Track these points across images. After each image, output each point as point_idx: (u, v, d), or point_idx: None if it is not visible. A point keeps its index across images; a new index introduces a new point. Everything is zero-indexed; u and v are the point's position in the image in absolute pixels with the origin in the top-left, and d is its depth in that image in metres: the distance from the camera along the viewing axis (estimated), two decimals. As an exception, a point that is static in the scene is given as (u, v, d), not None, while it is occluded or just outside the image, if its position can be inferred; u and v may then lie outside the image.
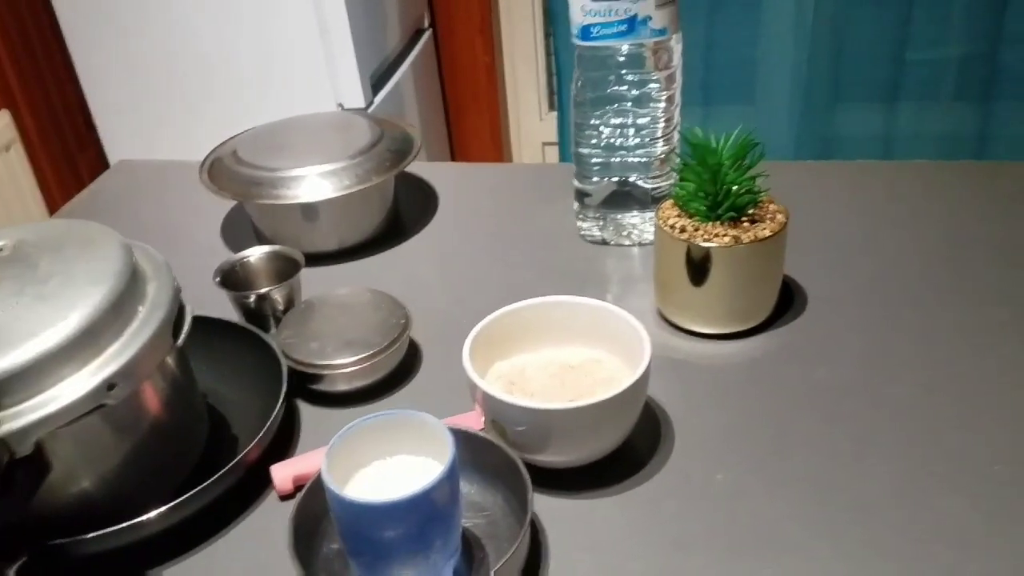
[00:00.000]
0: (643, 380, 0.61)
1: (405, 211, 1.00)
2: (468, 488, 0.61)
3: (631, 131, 0.83)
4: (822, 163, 1.03)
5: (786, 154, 1.97)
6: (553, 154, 2.36)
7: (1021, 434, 0.63)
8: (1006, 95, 1.88)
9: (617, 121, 0.83)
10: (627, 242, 0.89)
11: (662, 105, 0.82)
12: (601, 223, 0.89)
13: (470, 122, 2.35)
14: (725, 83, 1.96)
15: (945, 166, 0.98)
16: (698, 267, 0.72)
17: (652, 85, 0.81)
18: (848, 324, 0.75)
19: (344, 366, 0.69)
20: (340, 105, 1.71)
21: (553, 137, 2.33)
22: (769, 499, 0.60)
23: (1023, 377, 0.67)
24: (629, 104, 0.82)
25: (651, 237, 0.88)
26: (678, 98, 0.84)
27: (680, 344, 0.76)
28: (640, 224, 0.88)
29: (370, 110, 1.72)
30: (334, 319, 0.73)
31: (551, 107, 2.36)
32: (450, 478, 0.48)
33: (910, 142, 2.01)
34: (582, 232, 0.91)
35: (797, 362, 0.72)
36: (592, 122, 0.84)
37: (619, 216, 0.88)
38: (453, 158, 2.39)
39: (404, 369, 0.74)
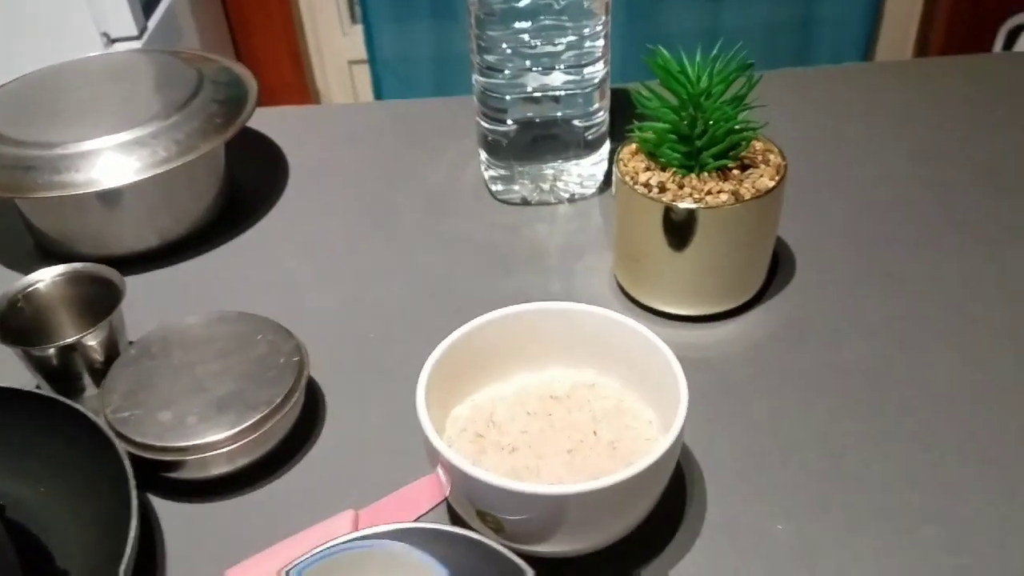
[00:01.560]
0: (683, 428, 0.43)
1: (245, 182, 0.74)
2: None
3: (558, 52, 0.63)
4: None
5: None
6: (363, 75, 2.09)
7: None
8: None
9: (537, 40, 0.62)
10: (553, 199, 0.70)
11: (596, 13, 0.62)
12: (520, 178, 0.68)
13: (263, 44, 2.02)
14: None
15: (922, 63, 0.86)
16: (682, 234, 0.54)
17: (579, -10, 0.61)
18: (850, 279, 0.61)
19: (220, 444, 0.46)
20: (106, 35, 1.36)
21: (360, 54, 2.05)
22: (851, 547, 0.45)
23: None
24: (554, 15, 0.61)
25: (585, 190, 0.69)
26: (611, 3, 0.64)
27: (661, 332, 0.57)
28: (571, 174, 0.69)
29: (143, 40, 1.39)
30: (188, 367, 0.50)
31: (353, 20, 2.07)
32: None
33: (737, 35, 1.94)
34: (494, 191, 0.70)
35: (814, 340, 0.56)
36: (502, 46, 0.62)
37: (543, 167, 0.68)
38: (249, 88, 2.05)
39: (303, 424, 0.52)
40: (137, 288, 0.63)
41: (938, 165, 0.71)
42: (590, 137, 0.67)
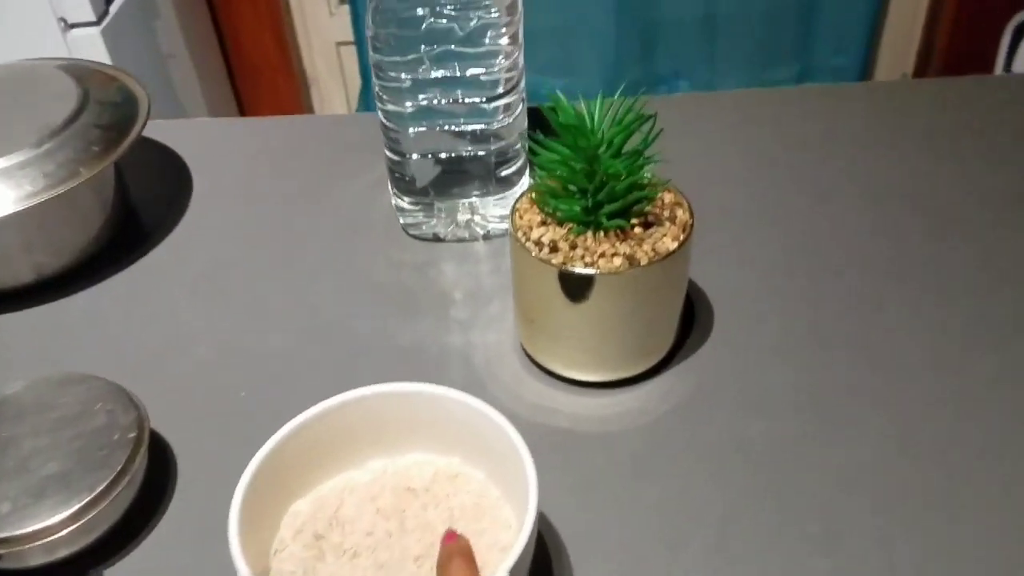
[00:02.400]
0: (534, 529, 0.38)
1: (144, 205, 0.70)
2: None
3: (462, 82, 0.57)
4: (694, 96, 0.80)
5: (606, 45, 1.74)
6: (351, 57, 2.03)
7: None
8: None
9: (439, 73, 0.57)
10: (468, 236, 0.64)
11: (503, 43, 0.56)
12: (430, 211, 0.63)
13: (247, 25, 1.96)
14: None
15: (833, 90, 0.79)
16: (575, 297, 0.49)
17: (487, 14, 0.55)
18: (772, 339, 0.55)
19: (42, 533, 0.42)
20: (62, 20, 1.31)
21: (348, 36, 1.99)
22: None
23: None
24: (457, 42, 0.56)
25: (500, 226, 0.64)
26: (521, 33, 0.58)
27: (557, 398, 0.53)
28: (485, 210, 0.63)
29: (104, 24, 1.33)
30: (15, 442, 0.45)
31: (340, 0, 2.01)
32: None
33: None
34: (403, 224, 0.65)
35: (722, 414, 0.51)
36: (401, 75, 0.57)
37: (455, 202, 0.63)
38: (230, 73, 2.01)
39: (148, 498, 0.48)
40: (9, 328, 0.59)
41: (889, 207, 0.65)
42: (502, 173, 0.61)
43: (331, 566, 0.40)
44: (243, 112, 2.06)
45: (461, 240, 0.64)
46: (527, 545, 0.37)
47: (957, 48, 1.81)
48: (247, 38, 1.99)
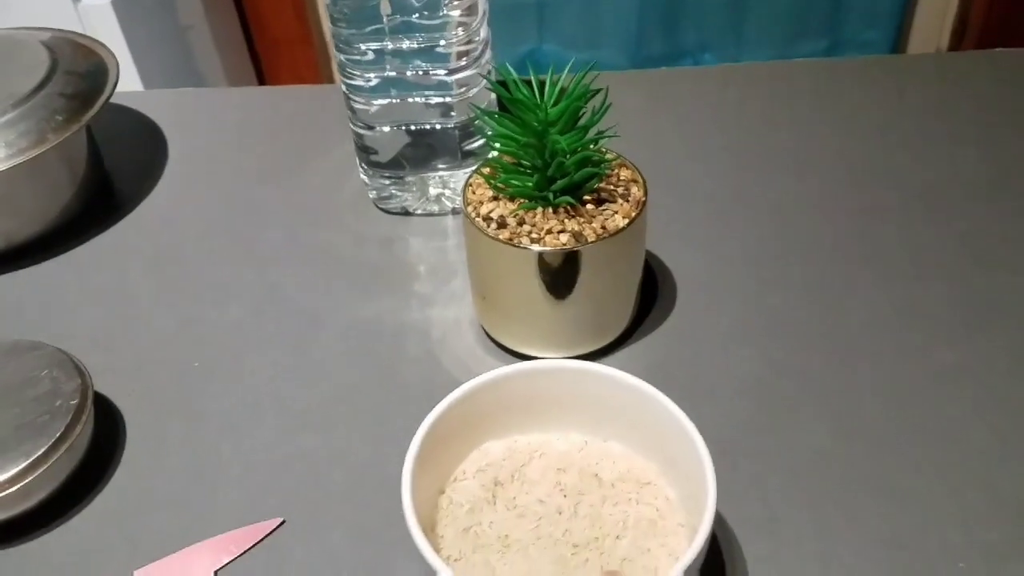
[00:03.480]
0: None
1: (119, 173, 0.70)
2: None
3: (421, 56, 0.56)
4: (653, 72, 0.78)
5: (630, 17, 1.71)
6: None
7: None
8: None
9: (400, 45, 0.56)
10: (438, 210, 0.64)
11: (456, 15, 0.55)
12: (401, 185, 0.63)
13: (265, -5, 1.96)
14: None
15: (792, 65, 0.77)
16: (525, 274, 0.49)
17: (444, -14, 0.54)
18: (733, 320, 0.54)
19: (-26, 497, 0.43)
20: (72, -10, 1.32)
21: None
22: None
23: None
24: (415, 16, 0.55)
25: (464, 203, 0.63)
26: (482, 5, 0.57)
27: (509, 376, 0.53)
28: (455, 183, 0.63)
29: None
30: (-37, 406, 0.46)
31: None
32: None
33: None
34: (373, 197, 0.65)
35: (673, 396, 0.50)
36: (361, 46, 0.56)
37: (424, 175, 0.62)
38: (249, 45, 2.01)
39: (95, 467, 0.48)
40: (-23, 295, 0.60)
41: (872, 187, 0.63)
42: (468, 147, 0.60)
43: (497, 514, 0.40)
44: (263, 83, 2.07)
45: (431, 214, 0.64)
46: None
47: (995, 14, 1.74)
48: (267, 9, 1.98)
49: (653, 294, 0.56)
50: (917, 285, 0.55)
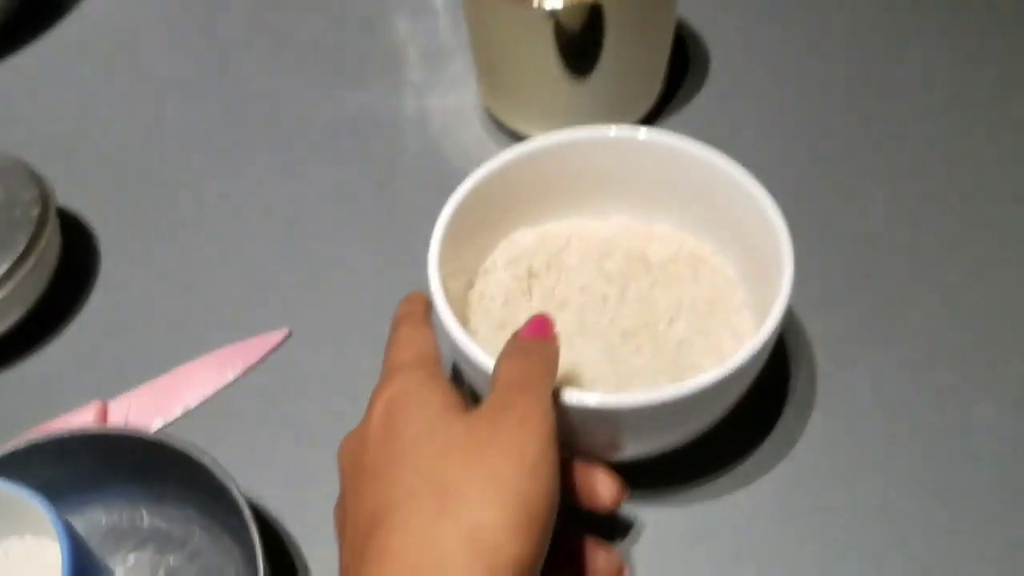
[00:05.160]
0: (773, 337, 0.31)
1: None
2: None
3: None
4: None
5: None
6: None
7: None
8: None
9: None
10: (422, -15, 0.56)
11: None
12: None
13: None
14: None
15: None
16: (538, 39, 0.42)
17: None
18: (771, 82, 0.48)
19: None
20: None
21: None
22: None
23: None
24: None
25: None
26: None
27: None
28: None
29: None
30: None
31: None
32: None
33: None
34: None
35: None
36: None
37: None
38: None
39: (69, 285, 0.43)
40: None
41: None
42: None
43: (534, 306, 0.36)
44: None
45: (417, -9, 0.56)
46: (763, 346, 0.30)
47: None
48: None
49: (684, 67, 0.50)
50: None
